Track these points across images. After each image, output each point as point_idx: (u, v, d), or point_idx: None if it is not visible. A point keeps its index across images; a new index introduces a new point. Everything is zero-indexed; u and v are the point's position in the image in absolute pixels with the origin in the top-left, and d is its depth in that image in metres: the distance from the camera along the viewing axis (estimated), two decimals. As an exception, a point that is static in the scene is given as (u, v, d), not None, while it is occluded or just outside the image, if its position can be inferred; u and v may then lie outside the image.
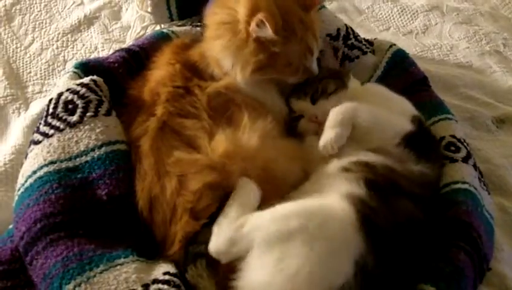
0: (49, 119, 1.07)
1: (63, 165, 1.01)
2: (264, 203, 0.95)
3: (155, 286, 0.88)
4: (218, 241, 0.91)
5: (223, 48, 1.11)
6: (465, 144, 1.18)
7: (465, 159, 1.14)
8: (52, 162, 1.01)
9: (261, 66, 1.09)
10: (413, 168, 1.01)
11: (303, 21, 1.11)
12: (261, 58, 1.08)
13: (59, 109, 1.07)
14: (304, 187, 1.02)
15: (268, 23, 1.02)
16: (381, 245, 0.88)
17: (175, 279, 0.90)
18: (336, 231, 0.88)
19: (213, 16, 1.16)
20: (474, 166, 1.16)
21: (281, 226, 0.87)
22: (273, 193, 0.98)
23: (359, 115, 1.05)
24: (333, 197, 0.93)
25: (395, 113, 1.11)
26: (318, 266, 0.84)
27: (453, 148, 1.16)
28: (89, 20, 1.67)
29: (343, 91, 1.14)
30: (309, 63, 1.15)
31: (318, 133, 1.08)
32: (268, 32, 1.04)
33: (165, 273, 0.91)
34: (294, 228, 0.86)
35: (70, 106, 1.07)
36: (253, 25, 1.04)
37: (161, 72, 1.14)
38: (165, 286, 0.88)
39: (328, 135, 1.04)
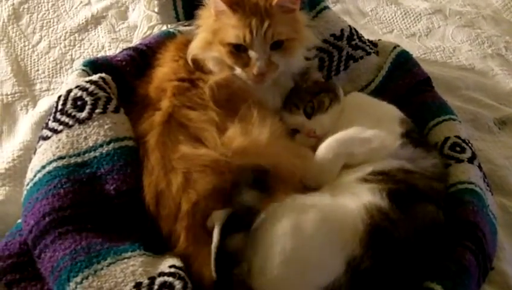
0: (58, 116, 1.08)
1: (72, 160, 1.03)
2: (274, 199, 0.96)
3: (161, 278, 0.90)
4: None
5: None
6: (469, 144, 1.20)
7: (471, 160, 1.15)
8: (61, 157, 1.03)
9: (210, 39, 1.11)
10: (425, 164, 1.03)
11: (258, 5, 1.09)
12: (216, 26, 1.11)
13: (68, 106, 1.08)
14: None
15: None
16: (388, 253, 0.90)
17: (180, 272, 0.92)
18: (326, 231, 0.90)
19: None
20: (479, 166, 1.17)
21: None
22: (282, 188, 1.00)
23: (352, 149, 1.05)
24: (350, 203, 0.94)
25: (383, 120, 1.11)
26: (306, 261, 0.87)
27: (458, 148, 1.17)
28: (96, 20, 1.68)
29: (337, 104, 1.15)
30: (250, 49, 1.09)
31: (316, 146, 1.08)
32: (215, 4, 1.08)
33: (170, 267, 0.92)
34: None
35: (79, 103, 1.08)
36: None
37: (165, 69, 1.16)
38: (170, 278, 0.89)
39: (322, 170, 1.04)
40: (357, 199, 0.95)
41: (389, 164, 1.01)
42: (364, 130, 1.07)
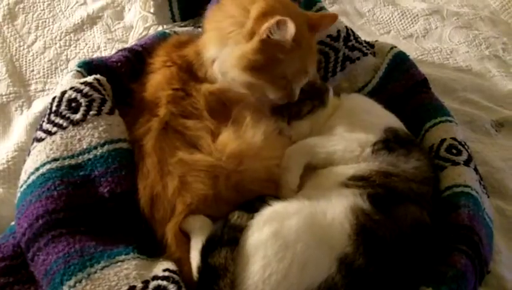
0: (52, 117, 1.08)
1: (66, 162, 1.02)
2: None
3: (155, 282, 0.89)
4: None
5: (222, 37, 1.10)
6: (466, 146, 1.19)
7: (467, 162, 1.15)
8: (55, 159, 1.02)
9: (256, 67, 1.07)
10: (405, 167, 1.03)
11: (308, 40, 1.12)
12: (259, 58, 1.06)
13: (62, 107, 1.08)
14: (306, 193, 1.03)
15: (290, 26, 1.01)
16: (379, 251, 0.91)
17: (174, 275, 0.91)
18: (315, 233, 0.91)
19: (217, 11, 1.17)
20: (475, 169, 1.17)
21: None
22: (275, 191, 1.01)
23: (312, 154, 1.07)
24: (333, 206, 0.95)
25: (366, 127, 1.11)
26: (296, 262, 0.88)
27: (454, 151, 1.17)
28: (92, 20, 1.67)
29: (320, 110, 1.17)
30: (297, 85, 1.13)
31: None
32: (286, 35, 1.02)
33: (164, 270, 0.92)
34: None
35: (73, 104, 1.08)
36: (268, 25, 1.02)
37: (158, 76, 1.14)
38: (164, 282, 0.89)
39: (282, 178, 1.05)
40: (340, 201, 0.96)
41: (368, 168, 1.02)
42: (333, 135, 1.11)
